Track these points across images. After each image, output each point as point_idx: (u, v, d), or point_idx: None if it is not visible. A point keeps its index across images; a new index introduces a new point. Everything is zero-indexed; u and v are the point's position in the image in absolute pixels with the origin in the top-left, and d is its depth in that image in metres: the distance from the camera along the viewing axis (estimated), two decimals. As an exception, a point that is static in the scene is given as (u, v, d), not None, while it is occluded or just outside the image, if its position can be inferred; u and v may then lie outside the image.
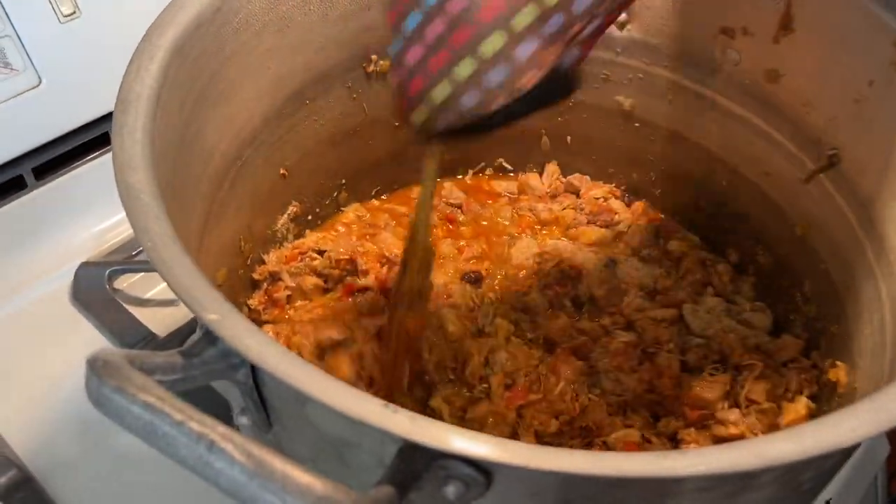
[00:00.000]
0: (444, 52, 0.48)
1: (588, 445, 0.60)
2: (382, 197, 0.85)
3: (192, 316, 0.79)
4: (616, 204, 0.83)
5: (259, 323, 0.68)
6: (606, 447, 0.60)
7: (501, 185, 0.87)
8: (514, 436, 0.61)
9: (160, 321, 0.81)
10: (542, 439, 0.61)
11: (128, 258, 0.88)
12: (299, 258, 0.71)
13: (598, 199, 0.83)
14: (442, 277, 0.73)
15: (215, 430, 0.32)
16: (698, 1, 0.70)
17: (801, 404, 0.62)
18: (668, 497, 0.40)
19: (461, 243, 0.79)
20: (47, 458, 0.71)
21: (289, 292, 0.69)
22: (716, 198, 0.77)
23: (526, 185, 0.86)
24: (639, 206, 0.84)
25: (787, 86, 0.66)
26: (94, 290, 0.84)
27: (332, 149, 0.77)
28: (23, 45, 0.81)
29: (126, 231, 0.91)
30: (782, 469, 0.40)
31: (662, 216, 0.84)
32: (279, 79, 0.67)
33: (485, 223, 0.82)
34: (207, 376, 0.41)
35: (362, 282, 0.68)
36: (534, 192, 0.85)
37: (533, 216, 0.82)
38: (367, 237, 0.77)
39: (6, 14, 0.80)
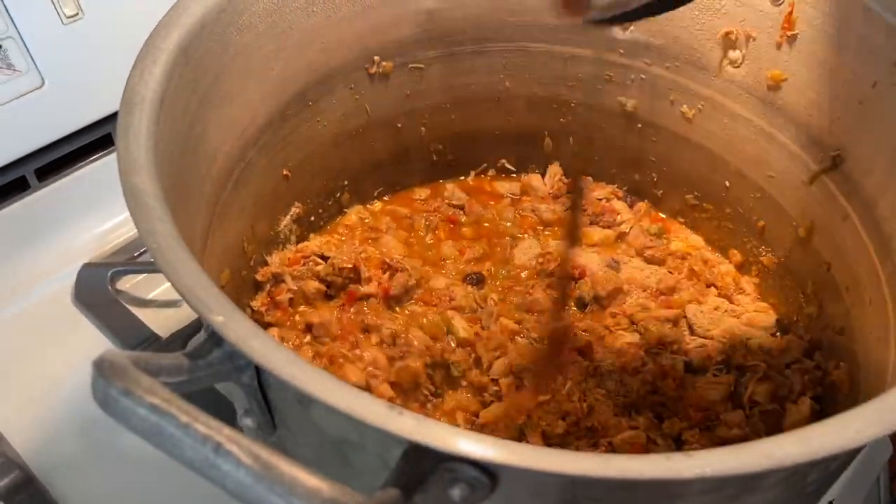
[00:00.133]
0: None
1: (594, 446, 0.60)
2: (384, 198, 0.85)
3: (194, 317, 0.79)
4: (618, 205, 0.83)
5: (262, 325, 0.68)
6: (612, 448, 0.60)
7: (504, 187, 0.87)
8: (520, 437, 0.61)
9: (162, 322, 0.81)
10: (548, 440, 0.61)
11: (130, 259, 0.88)
12: (302, 262, 0.71)
13: (600, 199, 0.83)
14: (443, 280, 0.73)
15: (221, 433, 0.32)
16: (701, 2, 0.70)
17: (805, 405, 0.62)
18: (672, 499, 0.40)
19: (462, 244, 0.79)
20: (49, 459, 0.71)
21: (291, 295, 0.69)
22: (718, 198, 0.77)
23: (528, 186, 0.86)
24: (641, 206, 0.84)
25: (790, 87, 0.66)
26: (97, 290, 0.84)
27: (335, 150, 0.77)
28: (26, 47, 0.82)
29: (128, 232, 0.91)
30: (788, 471, 0.40)
31: (665, 217, 0.84)
32: (282, 80, 0.67)
33: (487, 224, 0.82)
34: (212, 378, 0.41)
35: (365, 289, 0.68)
36: (536, 192, 0.85)
37: (535, 217, 0.82)
38: (370, 241, 0.77)
39: (9, 15, 0.80)
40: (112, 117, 0.89)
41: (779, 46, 0.66)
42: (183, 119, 0.54)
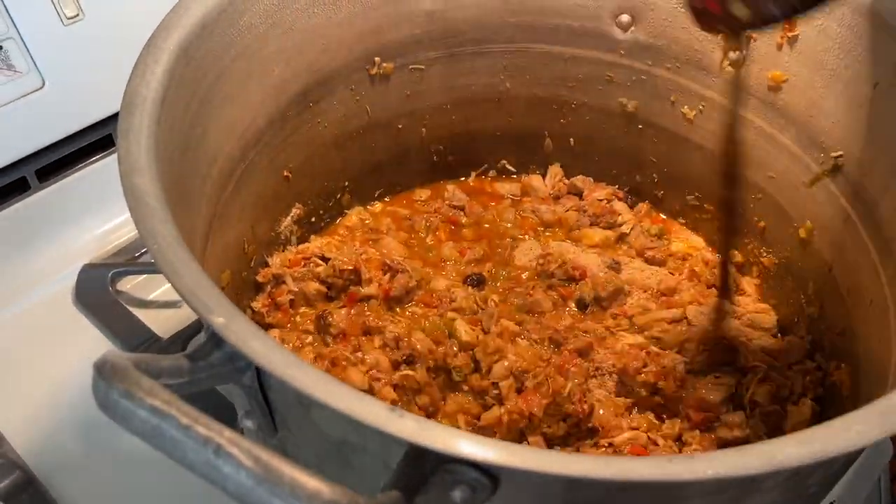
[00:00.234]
0: None
1: (594, 447, 0.60)
2: (385, 199, 0.85)
3: (195, 318, 0.79)
4: (619, 205, 0.83)
5: (262, 326, 0.68)
6: (613, 449, 0.60)
7: (504, 187, 0.87)
8: (521, 439, 0.61)
9: (162, 323, 0.81)
10: (549, 442, 0.61)
11: (130, 260, 0.88)
12: (303, 263, 0.71)
13: (600, 200, 0.83)
14: (444, 281, 0.73)
15: (222, 435, 0.32)
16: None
17: (806, 407, 0.62)
18: (674, 501, 0.40)
19: (463, 245, 0.79)
20: (50, 460, 0.71)
21: (291, 296, 0.69)
22: (720, 200, 0.77)
23: (529, 186, 0.86)
24: (642, 207, 0.84)
25: (792, 89, 0.66)
26: (97, 291, 0.84)
27: (336, 151, 0.77)
28: (26, 48, 0.82)
29: (129, 233, 0.91)
30: (789, 473, 0.40)
31: (665, 217, 0.84)
32: (283, 81, 0.67)
33: (487, 225, 0.82)
34: (213, 380, 0.41)
35: (365, 291, 0.68)
36: (536, 193, 0.85)
37: (536, 218, 0.82)
38: (370, 242, 0.77)
39: (10, 16, 0.80)
40: (112, 118, 0.89)
41: (779, 47, 0.66)
42: (184, 120, 0.54)
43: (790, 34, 0.65)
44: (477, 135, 0.84)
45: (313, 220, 0.79)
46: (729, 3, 0.51)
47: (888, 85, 0.58)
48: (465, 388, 0.63)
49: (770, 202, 0.72)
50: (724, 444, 0.61)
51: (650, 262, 0.77)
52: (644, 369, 0.64)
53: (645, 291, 0.73)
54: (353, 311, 0.67)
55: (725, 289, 0.72)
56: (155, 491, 0.68)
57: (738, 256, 0.77)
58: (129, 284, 0.86)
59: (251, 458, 0.32)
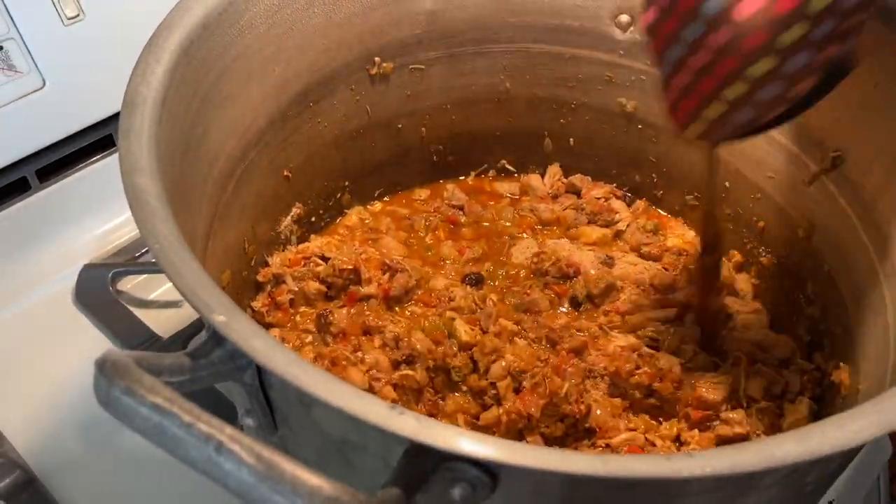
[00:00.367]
0: (711, 79, 0.48)
1: (591, 448, 0.60)
2: (385, 199, 0.85)
3: (195, 317, 0.79)
4: (617, 203, 0.83)
5: (263, 325, 0.69)
6: (611, 449, 0.60)
7: (503, 187, 0.87)
8: (520, 439, 0.61)
9: (163, 322, 0.81)
10: (548, 442, 0.61)
11: (131, 260, 0.88)
12: (303, 263, 0.71)
13: (598, 198, 0.83)
14: (443, 280, 0.73)
15: (223, 432, 0.32)
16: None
17: (804, 405, 0.62)
18: (672, 499, 0.41)
19: (461, 244, 0.79)
20: (51, 460, 0.71)
21: (291, 296, 0.69)
22: (718, 199, 0.77)
23: (528, 186, 0.86)
24: (640, 204, 0.84)
25: (790, 88, 0.66)
26: (98, 291, 0.84)
27: (336, 151, 0.77)
28: (27, 48, 0.82)
29: (129, 233, 0.91)
30: (787, 470, 0.40)
31: (664, 215, 0.84)
32: (284, 81, 0.67)
33: (486, 223, 0.82)
34: (214, 378, 0.41)
35: (365, 290, 0.69)
36: (535, 192, 0.85)
37: (534, 216, 0.82)
38: (370, 242, 0.77)
39: (10, 16, 0.80)
40: (113, 118, 0.89)
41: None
42: (184, 120, 0.54)
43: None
44: (477, 135, 0.84)
45: (313, 219, 0.79)
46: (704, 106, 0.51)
47: (889, 84, 0.58)
48: (464, 388, 0.63)
49: (769, 202, 0.72)
50: (724, 441, 0.61)
51: (645, 257, 0.77)
52: (637, 371, 0.63)
53: (638, 286, 0.72)
54: (352, 310, 0.68)
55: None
56: (155, 490, 0.69)
57: (736, 256, 0.78)
58: (129, 284, 0.86)
59: (252, 455, 0.32)
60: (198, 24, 0.55)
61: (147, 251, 0.88)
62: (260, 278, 0.71)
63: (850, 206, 0.62)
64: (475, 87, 0.80)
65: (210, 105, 0.57)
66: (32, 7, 0.81)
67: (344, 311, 0.67)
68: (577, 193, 0.85)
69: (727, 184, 0.76)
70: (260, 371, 0.43)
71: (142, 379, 0.34)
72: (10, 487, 0.66)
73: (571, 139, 0.85)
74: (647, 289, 0.72)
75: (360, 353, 0.63)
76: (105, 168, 0.92)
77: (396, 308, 0.70)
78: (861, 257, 0.60)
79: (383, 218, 0.82)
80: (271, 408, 0.45)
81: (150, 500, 0.69)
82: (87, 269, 0.86)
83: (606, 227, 0.81)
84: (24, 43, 0.81)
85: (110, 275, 0.85)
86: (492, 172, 0.88)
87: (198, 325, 0.79)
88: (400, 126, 0.80)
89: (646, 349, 0.66)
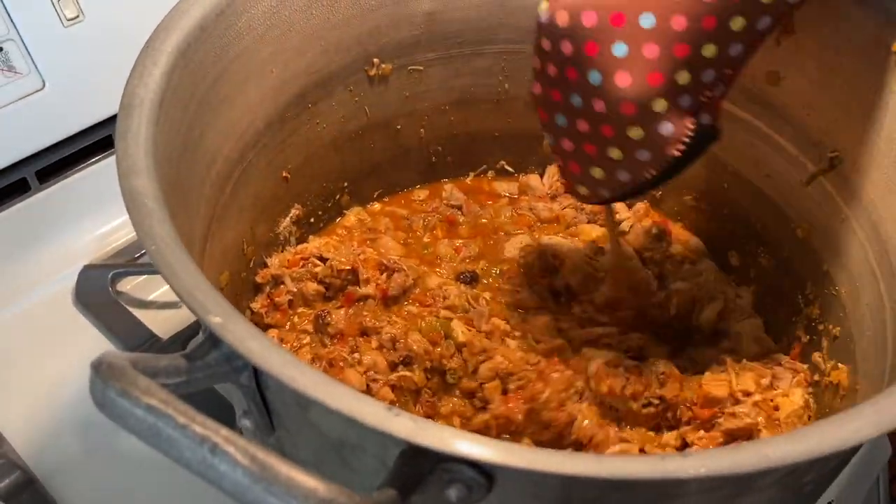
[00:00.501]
0: (593, 144, 0.55)
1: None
2: (384, 199, 0.85)
3: (194, 318, 0.79)
4: (617, 204, 0.83)
5: (261, 326, 0.69)
6: None
7: (502, 187, 0.87)
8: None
9: (163, 323, 0.81)
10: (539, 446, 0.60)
11: (130, 261, 0.89)
12: (301, 264, 0.71)
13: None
14: (437, 279, 0.72)
15: (219, 433, 0.32)
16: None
17: (797, 396, 0.61)
18: (669, 499, 0.41)
19: (458, 243, 0.79)
20: (50, 461, 0.71)
21: (290, 297, 0.69)
22: (716, 200, 0.77)
23: (526, 185, 0.86)
24: (640, 206, 0.84)
25: (788, 88, 0.66)
26: (97, 292, 0.84)
27: (334, 152, 0.77)
28: (27, 49, 0.82)
29: (129, 234, 0.92)
30: (785, 471, 0.40)
31: (664, 217, 0.84)
32: (282, 82, 0.67)
33: (484, 221, 0.82)
34: (211, 379, 0.41)
35: (363, 290, 0.69)
36: (534, 192, 0.85)
37: (533, 215, 0.82)
38: (368, 242, 0.77)
39: (10, 17, 0.80)
40: (113, 119, 0.89)
41: (778, 44, 0.66)
42: (182, 121, 0.54)
43: (787, 34, 0.64)
44: (476, 135, 0.84)
45: (312, 220, 0.79)
46: (576, 183, 0.60)
47: (886, 84, 0.58)
48: (457, 392, 0.63)
49: (767, 202, 0.72)
50: (732, 435, 0.59)
51: (647, 262, 0.77)
52: (627, 382, 0.61)
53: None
54: (350, 311, 0.68)
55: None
56: (155, 491, 0.69)
57: (735, 257, 0.77)
58: (129, 285, 0.86)
59: (247, 457, 0.32)
60: (195, 26, 0.55)
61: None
62: (259, 279, 0.71)
63: (849, 207, 0.62)
64: (474, 87, 0.80)
65: (208, 107, 0.57)
66: (32, 8, 0.82)
67: (342, 311, 0.67)
68: (577, 193, 0.85)
69: (725, 184, 0.76)
70: (256, 373, 0.43)
71: (137, 381, 0.34)
72: (10, 488, 0.67)
73: (570, 139, 0.85)
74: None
75: (357, 355, 0.63)
76: (105, 169, 0.92)
77: (394, 308, 0.70)
78: (859, 258, 0.60)
79: (382, 218, 0.82)
80: (268, 409, 0.45)
81: (149, 501, 0.69)
82: (87, 269, 0.87)
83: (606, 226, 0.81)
84: (24, 44, 0.82)
85: (110, 275, 0.85)
86: (491, 173, 0.88)
87: (197, 327, 0.79)
88: (399, 127, 0.80)
89: (628, 362, 0.63)
